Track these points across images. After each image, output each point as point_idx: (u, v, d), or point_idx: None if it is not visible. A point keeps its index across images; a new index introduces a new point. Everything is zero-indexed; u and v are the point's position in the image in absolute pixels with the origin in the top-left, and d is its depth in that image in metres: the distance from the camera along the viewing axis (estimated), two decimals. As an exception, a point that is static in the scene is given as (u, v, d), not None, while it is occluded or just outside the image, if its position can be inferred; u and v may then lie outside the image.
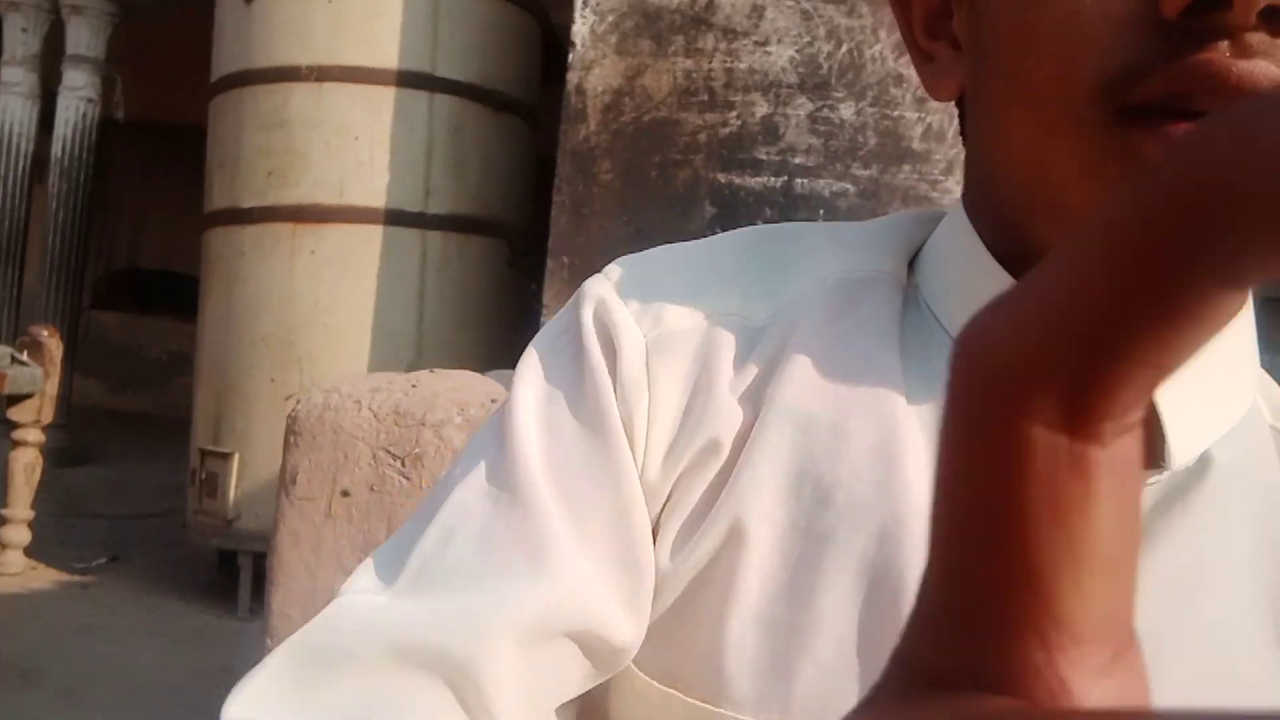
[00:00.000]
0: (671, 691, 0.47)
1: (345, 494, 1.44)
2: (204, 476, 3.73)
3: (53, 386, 4.14)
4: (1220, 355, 0.48)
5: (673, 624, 0.47)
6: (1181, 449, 0.46)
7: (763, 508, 0.46)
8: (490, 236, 3.76)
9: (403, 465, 1.42)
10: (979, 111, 0.47)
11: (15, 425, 4.13)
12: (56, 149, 5.89)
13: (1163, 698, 0.32)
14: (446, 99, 3.62)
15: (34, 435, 4.14)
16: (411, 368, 3.56)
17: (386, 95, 3.53)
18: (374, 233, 3.50)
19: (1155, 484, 0.46)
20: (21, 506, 4.13)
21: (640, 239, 2.85)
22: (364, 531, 1.43)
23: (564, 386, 0.49)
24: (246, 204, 3.63)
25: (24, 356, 4.02)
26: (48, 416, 4.17)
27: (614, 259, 0.55)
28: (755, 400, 0.48)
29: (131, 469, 6.03)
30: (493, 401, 1.43)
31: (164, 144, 7.73)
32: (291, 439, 1.48)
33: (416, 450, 1.41)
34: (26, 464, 4.12)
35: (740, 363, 0.48)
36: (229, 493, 3.64)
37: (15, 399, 4.04)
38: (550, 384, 0.50)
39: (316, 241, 3.51)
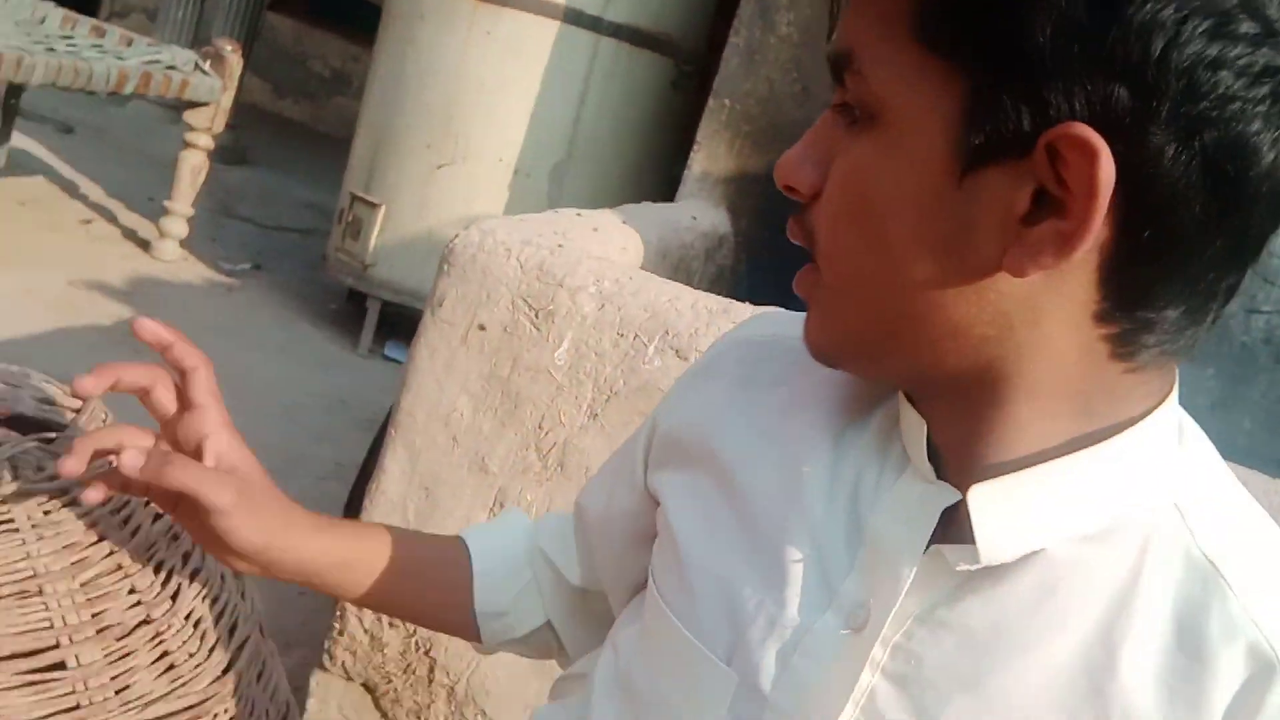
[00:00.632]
0: (667, 611, 0.67)
1: (481, 328, 1.61)
2: (350, 219, 3.97)
3: (228, 99, 4.38)
4: (1066, 474, 0.54)
5: (667, 560, 0.68)
6: (993, 546, 0.54)
7: (718, 490, 0.66)
8: (661, 54, 3.77)
9: (535, 316, 1.58)
10: None
11: (189, 127, 4.40)
12: None
13: None
14: (646, -96, 3.59)
15: (204, 140, 4.42)
16: (559, 167, 3.68)
17: (588, -110, 3.52)
18: (550, 27, 3.55)
19: (969, 568, 0.56)
20: (184, 203, 4.45)
21: (805, 100, 2.87)
22: (491, 365, 1.61)
23: None
24: (435, -32, 3.70)
25: (207, 66, 4.24)
26: (219, 126, 4.43)
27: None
28: (754, 409, 0.68)
29: (282, 178, 6.34)
30: (630, 278, 1.57)
31: None
32: (445, 267, 1.64)
33: (550, 307, 1.56)
34: (194, 165, 4.42)
35: (773, 375, 0.69)
36: (370, 240, 3.88)
37: (193, 104, 4.29)
38: None
39: (494, 23, 3.58)
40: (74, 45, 3.60)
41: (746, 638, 0.62)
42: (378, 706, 1.75)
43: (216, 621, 0.95)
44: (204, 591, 0.94)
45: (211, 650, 0.94)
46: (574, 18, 3.56)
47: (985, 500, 0.55)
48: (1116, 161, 0.47)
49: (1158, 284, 0.51)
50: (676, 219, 2.67)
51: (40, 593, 0.82)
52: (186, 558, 0.97)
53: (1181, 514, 0.56)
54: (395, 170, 3.87)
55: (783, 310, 0.76)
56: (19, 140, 4.93)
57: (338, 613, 1.73)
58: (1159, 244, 0.49)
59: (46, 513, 0.83)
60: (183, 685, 0.92)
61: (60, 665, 0.84)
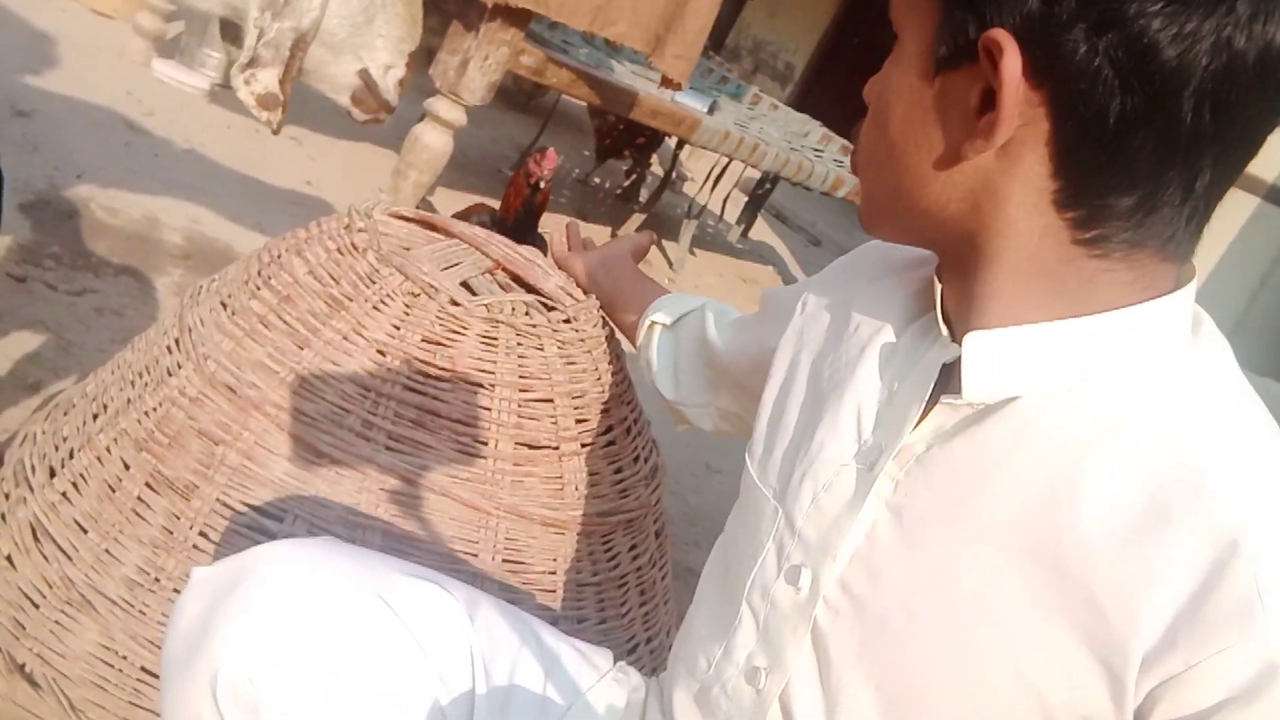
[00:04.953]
0: (747, 458, 0.82)
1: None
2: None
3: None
4: (1046, 336, 0.61)
5: (758, 416, 0.83)
6: (976, 387, 0.63)
7: (803, 351, 0.81)
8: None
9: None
10: None
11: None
12: None
13: (916, 577, 0.61)
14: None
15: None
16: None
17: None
18: (1247, 203, 3.46)
19: (957, 405, 0.65)
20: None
21: None
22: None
23: None
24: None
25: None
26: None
27: None
28: (836, 299, 0.81)
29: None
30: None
31: None
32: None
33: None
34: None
35: (876, 274, 0.80)
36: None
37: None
38: None
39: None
40: (820, 155, 4.30)
41: (792, 478, 0.73)
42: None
43: (648, 455, 1.31)
44: (642, 431, 1.30)
45: (650, 474, 1.30)
46: (1278, 198, 3.43)
47: (975, 348, 0.64)
48: (1037, 62, 0.56)
49: (1101, 172, 0.58)
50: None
51: (551, 400, 1.23)
52: (634, 406, 1.33)
53: (1169, 398, 0.61)
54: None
55: None
56: (770, 238, 5.87)
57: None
58: (1090, 135, 0.57)
59: (561, 344, 1.25)
60: (629, 495, 1.29)
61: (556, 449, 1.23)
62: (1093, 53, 0.55)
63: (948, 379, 0.68)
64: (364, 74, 1.40)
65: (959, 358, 0.65)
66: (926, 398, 0.68)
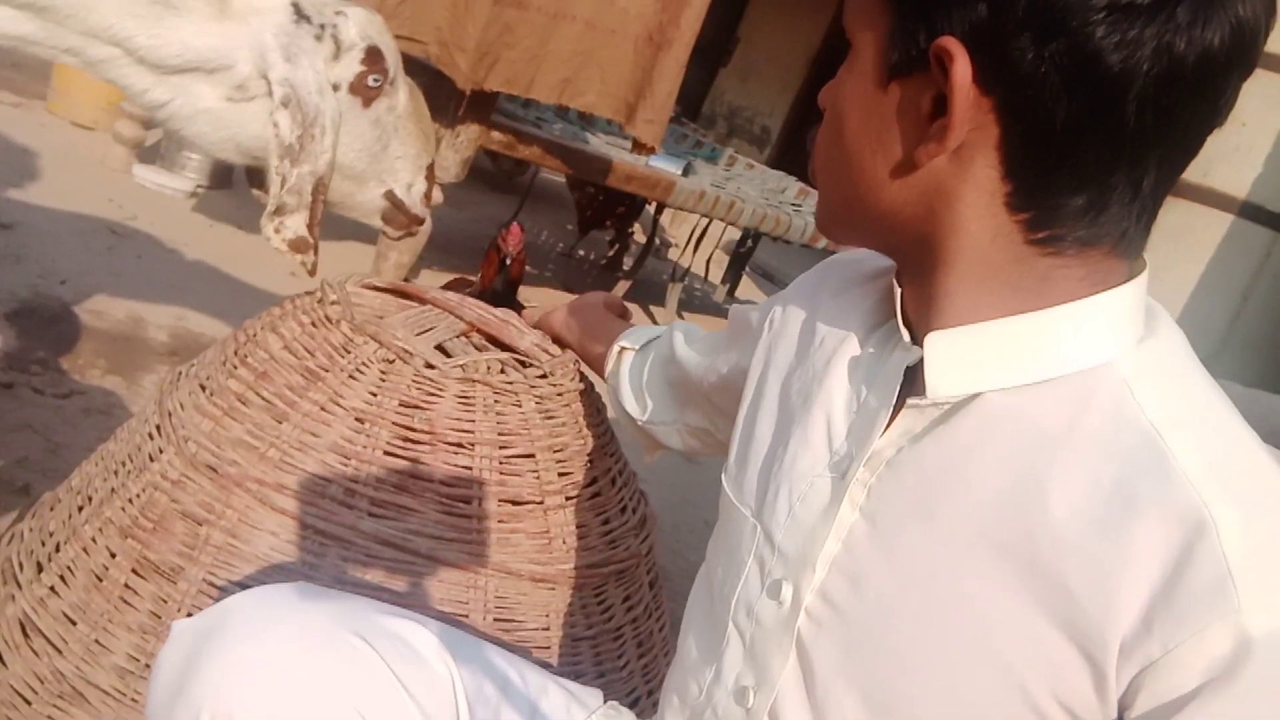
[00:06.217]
0: (724, 478, 0.82)
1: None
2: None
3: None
4: (1004, 332, 0.62)
5: (732, 435, 0.83)
6: (938, 385, 0.64)
7: (773, 367, 0.82)
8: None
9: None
10: None
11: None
12: None
13: (894, 580, 0.61)
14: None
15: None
16: (1207, 361, 3.55)
17: (1290, 90, 3.42)
18: (1222, 220, 3.49)
19: (922, 406, 0.66)
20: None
21: None
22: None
23: None
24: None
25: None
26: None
27: None
28: (802, 314, 0.81)
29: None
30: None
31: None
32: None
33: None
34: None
35: (839, 288, 0.80)
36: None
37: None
38: None
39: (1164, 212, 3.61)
40: (798, 209, 4.34)
41: (768, 494, 0.74)
42: None
43: (636, 505, 1.30)
44: (629, 482, 1.30)
45: (639, 524, 1.30)
46: (1251, 213, 3.47)
47: (935, 348, 0.65)
48: (986, 69, 0.57)
49: (1050, 175, 0.60)
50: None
51: (533, 455, 1.24)
52: (618, 458, 1.33)
53: (1130, 386, 0.61)
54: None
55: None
56: (757, 296, 5.91)
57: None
58: (1038, 139, 0.59)
59: (539, 399, 1.25)
60: (618, 546, 1.28)
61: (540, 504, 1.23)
62: (1039, 60, 0.57)
63: (913, 383, 0.68)
64: (389, 195, 1.51)
65: (921, 360, 0.66)
66: (893, 402, 0.69)
